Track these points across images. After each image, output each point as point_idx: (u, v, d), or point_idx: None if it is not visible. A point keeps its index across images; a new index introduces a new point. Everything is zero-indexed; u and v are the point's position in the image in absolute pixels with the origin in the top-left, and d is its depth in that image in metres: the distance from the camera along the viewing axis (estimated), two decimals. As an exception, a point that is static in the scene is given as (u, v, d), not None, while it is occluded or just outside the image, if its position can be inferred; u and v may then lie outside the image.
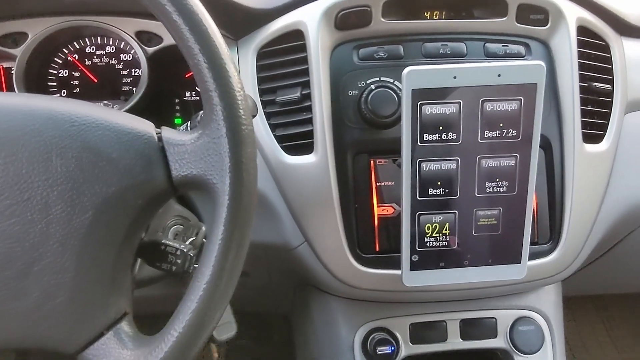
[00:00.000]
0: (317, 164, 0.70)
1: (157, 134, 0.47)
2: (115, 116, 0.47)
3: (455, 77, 0.60)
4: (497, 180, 0.64)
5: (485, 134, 0.62)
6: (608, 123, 0.78)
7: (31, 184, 0.43)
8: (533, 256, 0.73)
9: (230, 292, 0.45)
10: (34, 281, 0.43)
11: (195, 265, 0.54)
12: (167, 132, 0.47)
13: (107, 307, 0.46)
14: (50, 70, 0.80)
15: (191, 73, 0.80)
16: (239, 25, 0.75)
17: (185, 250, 0.54)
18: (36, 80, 0.78)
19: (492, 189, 0.64)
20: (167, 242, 0.54)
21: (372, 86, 0.71)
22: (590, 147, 0.75)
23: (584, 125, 0.75)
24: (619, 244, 0.89)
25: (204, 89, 0.44)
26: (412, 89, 0.60)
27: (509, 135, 0.62)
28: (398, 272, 0.68)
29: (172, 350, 0.43)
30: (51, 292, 0.44)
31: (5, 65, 0.80)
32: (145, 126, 0.47)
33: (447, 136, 0.62)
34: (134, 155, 0.45)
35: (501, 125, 0.62)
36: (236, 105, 0.45)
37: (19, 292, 0.43)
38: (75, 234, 0.43)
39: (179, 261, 0.54)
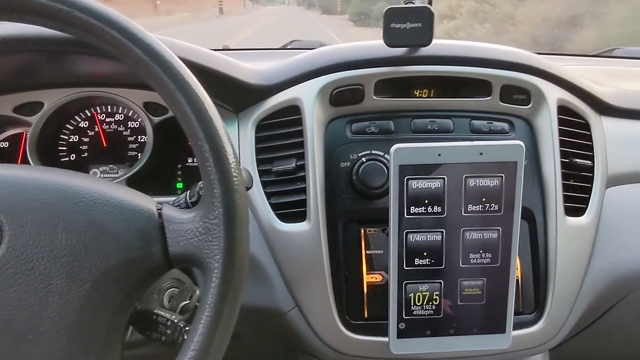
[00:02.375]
0: (309, 231, 0.73)
1: (157, 209, 0.50)
2: (121, 193, 0.50)
3: (439, 155, 0.64)
4: (481, 251, 0.67)
5: (469, 207, 0.65)
6: (589, 197, 0.81)
7: (36, 255, 0.45)
8: (518, 326, 0.75)
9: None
10: (28, 349, 0.44)
11: (184, 337, 0.55)
12: (167, 210, 0.50)
13: None
14: (61, 136, 0.84)
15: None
16: (240, 99, 0.80)
17: (175, 321, 0.56)
18: (48, 144, 0.82)
19: (476, 260, 0.67)
20: (159, 312, 0.57)
21: (364, 159, 0.75)
22: (573, 220, 0.78)
23: (566, 198, 0.78)
24: (606, 314, 0.90)
25: (205, 172, 0.48)
26: (400, 165, 0.63)
27: (492, 209, 0.65)
28: (385, 339, 0.70)
29: None
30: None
31: (20, 130, 0.85)
32: (148, 203, 0.50)
33: (432, 209, 0.65)
34: (134, 232, 0.48)
35: (484, 199, 0.65)
36: (233, 191, 0.48)
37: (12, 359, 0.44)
38: (72, 304, 0.45)
39: (168, 331, 0.56)
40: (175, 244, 0.49)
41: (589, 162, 0.82)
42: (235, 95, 0.79)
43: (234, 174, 0.48)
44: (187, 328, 0.57)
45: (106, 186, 0.50)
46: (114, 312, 0.48)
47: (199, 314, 0.47)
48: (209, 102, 0.49)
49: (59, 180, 0.48)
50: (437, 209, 0.65)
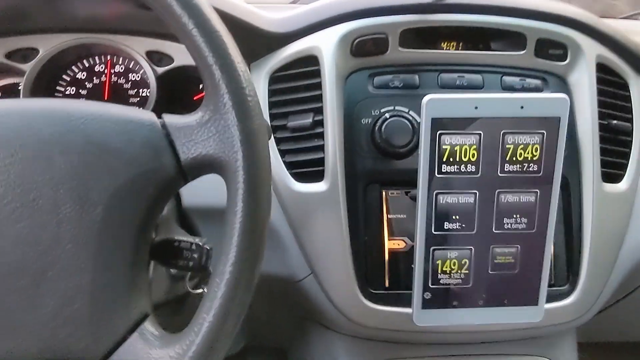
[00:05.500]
0: (327, 192, 0.68)
1: (159, 119, 0.45)
2: (114, 109, 0.45)
3: (476, 108, 0.58)
4: (516, 216, 0.61)
5: (505, 167, 0.60)
6: (628, 162, 0.76)
7: (35, 185, 0.41)
8: (550, 299, 0.70)
9: (258, 268, 0.43)
10: (50, 287, 0.41)
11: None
12: (169, 118, 0.45)
13: (129, 307, 0.43)
14: (57, 88, 0.78)
15: (200, 95, 0.79)
16: (252, 48, 0.73)
17: (200, 243, 0.51)
18: (43, 97, 0.76)
19: (511, 226, 0.62)
20: (180, 238, 0.52)
21: (387, 115, 0.69)
22: (610, 187, 0.73)
23: (603, 163, 0.73)
24: (639, 288, 0.85)
25: (204, 64, 0.43)
26: (432, 118, 0.58)
27: (530, 170, 0.60)
28: (408, 310, 0.65)
29: (204, 340, 0.40)
30: (69, 297, 0.41)
31: (13, 80, 0.78)
32: (147, 115, 0.45)
33: (465, 168, 0.59)
34: (139, 144, 0.43)
35: (522, 159, 0.60)
36: (239, 77, 0.43)
37: (34, 301, 0.41)
38: (88, 232, 0.42)
39: (195, 255, 0.51)
40: (186, 150, 0.44)
41: (628, 124, 0.76)
42: (246, 42, 0.71)
43: (236, 60, 0.43)
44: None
45: (96, 105, 0.45)
46: (135, 236, 0.44)
47: (230, 216, 0.42)
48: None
49: (44, 105, 0.44)
50: (470, 168, 0.59)
